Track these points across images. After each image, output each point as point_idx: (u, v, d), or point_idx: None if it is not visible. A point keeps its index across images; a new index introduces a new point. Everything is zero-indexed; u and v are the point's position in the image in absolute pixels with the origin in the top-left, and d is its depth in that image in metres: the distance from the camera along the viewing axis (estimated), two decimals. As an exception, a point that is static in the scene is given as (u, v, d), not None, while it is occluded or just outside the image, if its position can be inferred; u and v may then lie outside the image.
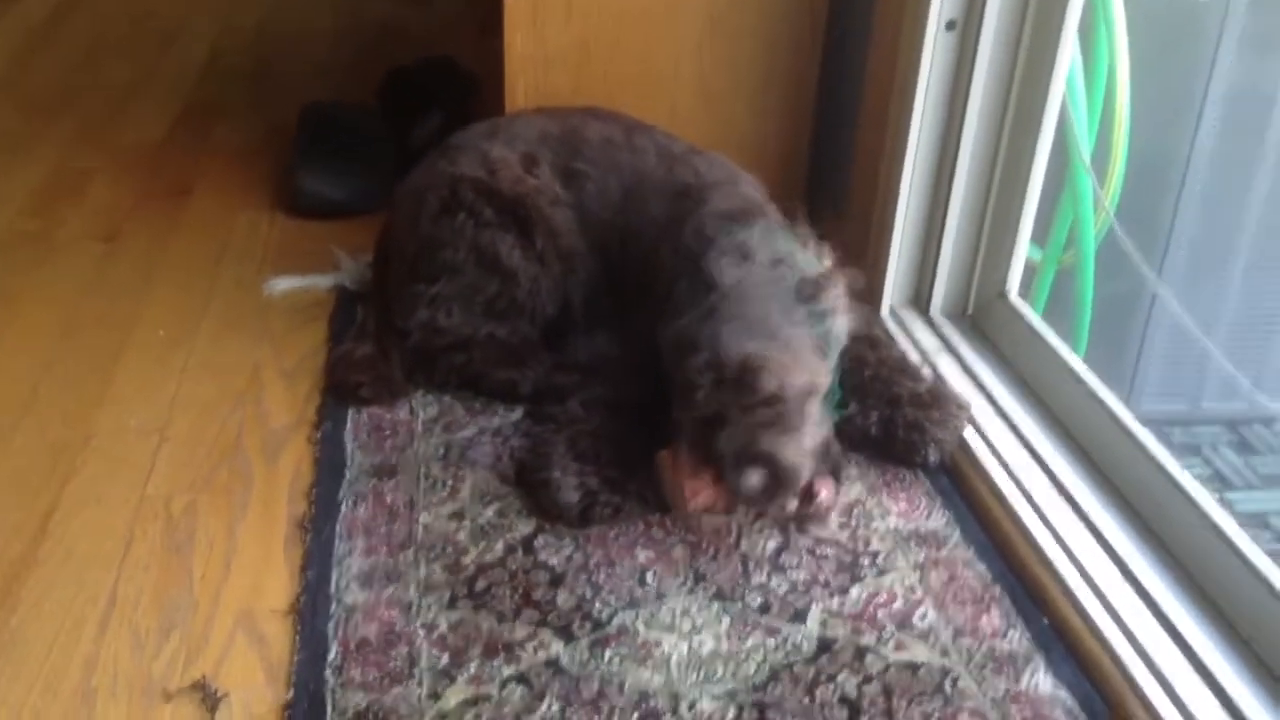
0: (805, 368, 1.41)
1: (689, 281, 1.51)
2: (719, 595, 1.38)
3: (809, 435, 1.41)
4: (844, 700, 1.24)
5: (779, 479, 1.36)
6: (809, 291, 1.47)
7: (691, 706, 1.23)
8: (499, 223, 1.71)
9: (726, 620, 1.35)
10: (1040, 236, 2.16)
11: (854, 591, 1.40)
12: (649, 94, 2.05)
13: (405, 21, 3.67)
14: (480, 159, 1.77)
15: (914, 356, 1.79)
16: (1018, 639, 1.33)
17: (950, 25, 1.72)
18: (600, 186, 1.75)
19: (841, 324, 1.50)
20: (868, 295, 1.84)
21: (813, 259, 1.54)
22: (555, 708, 1.22)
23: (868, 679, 1.27)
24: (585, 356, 1.73)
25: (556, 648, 1.30)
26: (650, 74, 2.05)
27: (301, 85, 2.97)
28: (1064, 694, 1.26)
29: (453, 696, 1.23)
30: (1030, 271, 2.16)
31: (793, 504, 1.40)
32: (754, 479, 1.35)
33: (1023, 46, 1.72)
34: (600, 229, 1.75)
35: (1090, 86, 2.07)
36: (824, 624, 1.35)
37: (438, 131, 2.36)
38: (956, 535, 1.49)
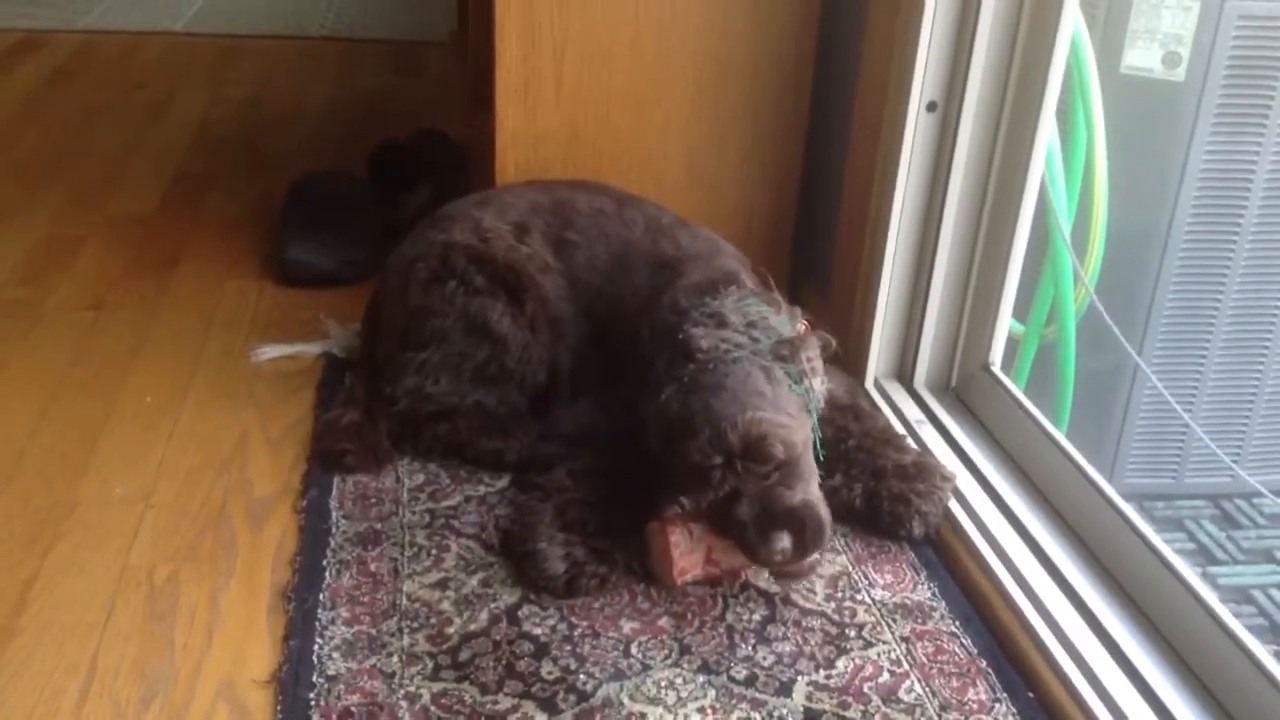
0: (798, 423, 1.45)
1: (668, 356, 1.53)
2: (705, 667, 1.38)
3: (815, 485, 1.45)
4: (830, 775, 1.24)
5: (806, 535, 1.40)
6: (784, 352, 1.49)
7: (677, 780, 1.22)
8: (489, 290, 1.72)
9: (712, 693, 1.34)
10: (1022, 311, 2.18)
11: (840, 664, 1.39)
12: (637, 169, 2.08)
13: (396, 94, 3.72)
14: (472, 227, 1.79)
15: (898, 428, 1.80)
16: (1004, 713, 1.32)
17: (931, 106, 1.76)
18: (589, 255, 1.77)
19: (818, 383, 1.53)
20: (849, 364, 1.87)
21: (785, 322, 1.56)
22: (539, 781, 1.21)
23: (854, 753, 1.27)
24: (570, 427, 1.74)
25: (541, 720, 1.29)
26: (638, 149, 2.08)
27: (291, 156, 3.01)
28: (1050, 769, 1.25)
29: (435, 769, 1.22)
30: (1013, 345, 2.19)
31: (818, 556, 1.44)
32: (784, 542, 1.38)
33: (1002, 126, 1.76)
34: (589, 297, 1.77)
35: (1069, 165, 2.11)
36: (810, 697, 1.34)
37: (427, 203, 2.39)
38: (942, 608, 1.49)
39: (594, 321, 1.77)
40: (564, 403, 1.80)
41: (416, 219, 1.98)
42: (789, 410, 1.45)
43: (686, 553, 1.45)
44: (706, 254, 1.73)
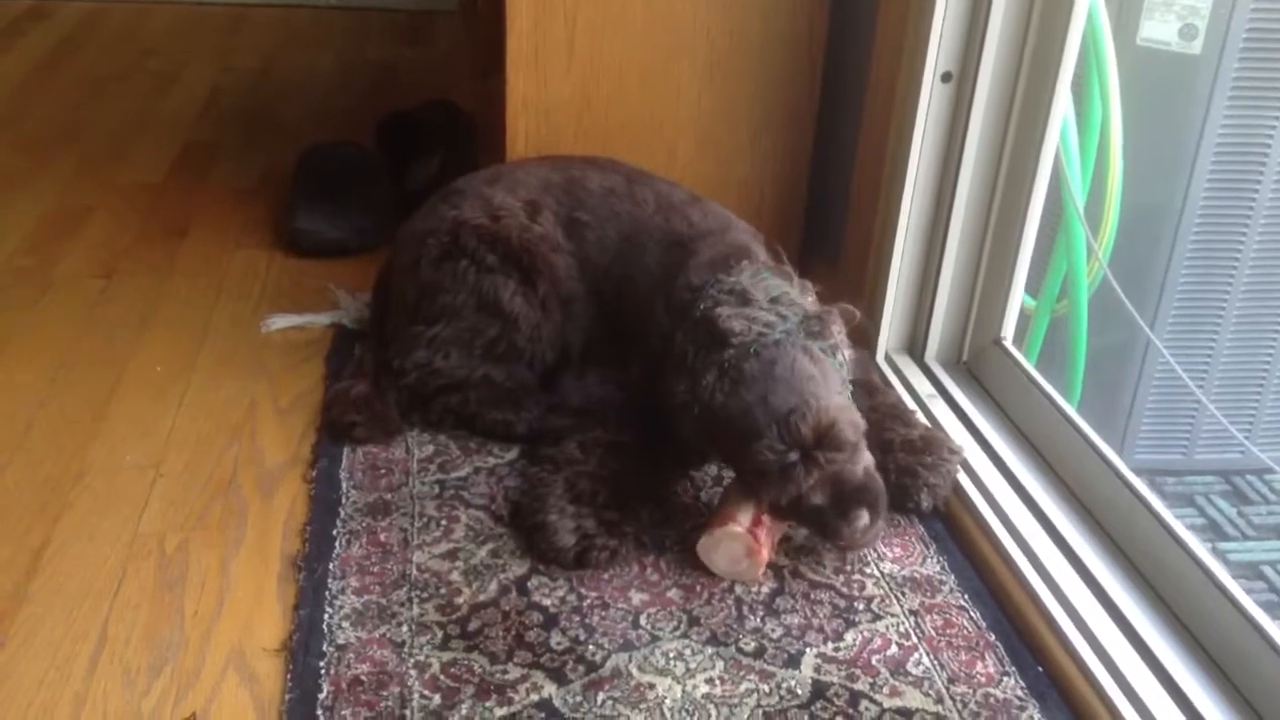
0: (848, 400, 1.47)
1: (687, 333, 1.52)
2: (713, 639, 1.38)
3: (868, 453, 1.47)
4: (838, 746, 1.24)
5: (876, 508, 1.42)
6: (815, 328, 1.49)
7: (685, 751, 1.23)
8: (501, 269, 1.72)
9: (720, 664, 1.34)
10: (1034, 286, 2.17)
11: (848, 637, 1.39)
12: (648, 139, 2.07)
13: (405, 64, 3.71)
14: (483, 205, 1.78)
15: (909, 402, 1.80)
16: (1012, 686, 1.32)
17: (946, 77, 1.74)
18: (599, 235, 1.76)
19: (847, 354, 1.53)
20: (860, 338, 1.86)
21: (801, 295, 1.56)
22: (548, 751, 1.22)
23: (862, 725, 1.27)
24: (579, 400, 1.74)
25: (549, 690, 1.29)
26: (650, 120, 2.07)
27: (300, 126, 3.00)
28: (1059, 742, 1.25)
29: (445, 738, 1.23)
30: (1025, 320, 2.18)
31: (881, 523, 1.46)
32: (864, 518, 1.41)
33: (1018, 98, 1.74)
34: (598, 276, 1.76)
35: (1084, 138, 2.09)
36: (818, 669, 1.34)
37: (436, 174, 2.38)
38: (951, 581, 1.49)
39: (604, 301, 1.77)
40: (572, 376, 1.79)
41: (426, 189, 1.97)
42: (837, 388, 1.46)
43: (768, 546, 1.46)
44: (718, 230, 1.72)
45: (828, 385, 1.44)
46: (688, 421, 1.50)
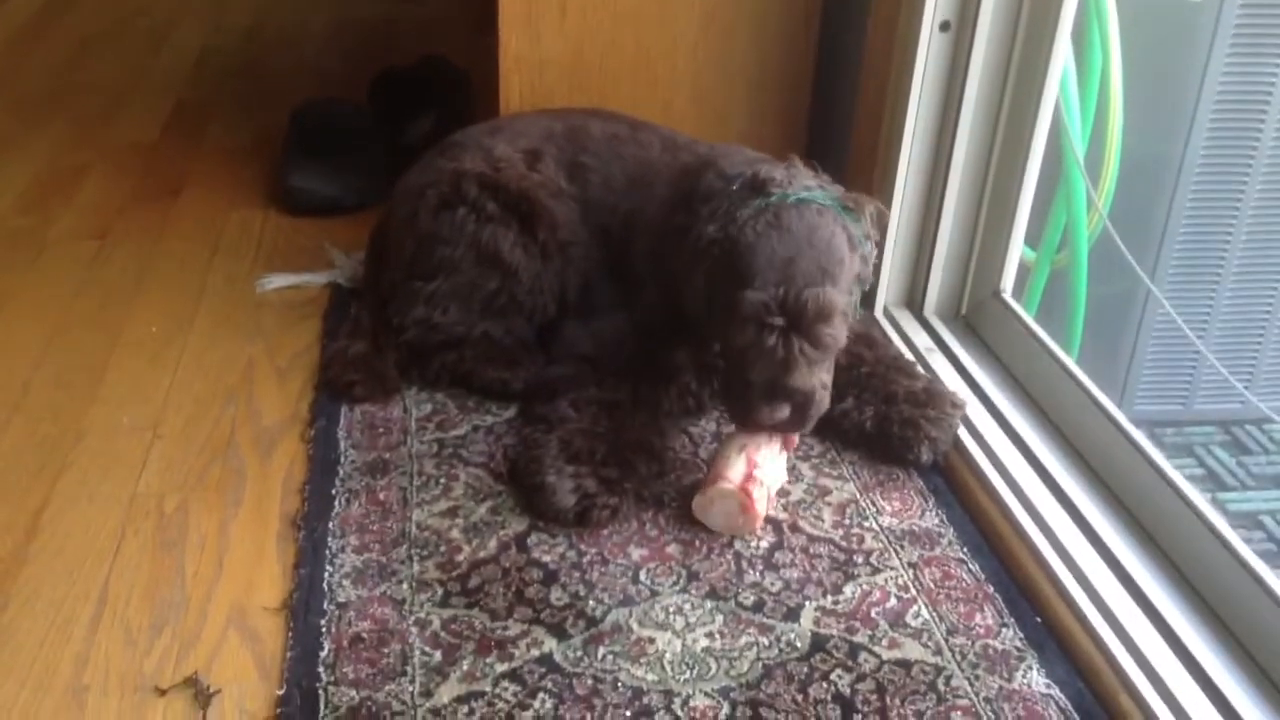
0: (850, 305, 1.48)
1: (727, 195, 1.51)
2: (712, 593, 1.38)
3: (831, 369, 1.49)
4: (837, 698, 1.24)
5: (803, 415, 1.46)
6: (849, 204, 1.51)
7: (685, 704, 1.23)
8: (501, 218, 1.70)
9: (720, 618, 1.35)
10: (1034, 238, 2.16)
11: (847, 590, 1.40)
12: (644, 94, 2.05)
13: (398, 20, 3.66)
14: (483, 155, 1.76)
15: (908, 356, 1.79)
16: (1011, 637, 1.33)
17: (945, 26, 1.72)
18: (604, 176, 1.75)
19: (871, 249, 1.54)
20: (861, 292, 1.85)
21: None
22: (548, 705, 1.22)
23: (861, 677, 1.27)
24: (590, 346, 1.71)
25: (550, 645, 1.30)
26: (645, 74, 2.05)
27: (293, 84, 2.97)
28: (1056, 692, 1.26)
29: (445, 694, 1.23)
30: (1024, 272, 2.17)
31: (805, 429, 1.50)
32: (784, 413, 1.45)
33: (1017, 48, 1.72)
34: (605, 217, 1.74)
35: (1084, 88, 2.08)
36: (817, 622, 1.34)
37: (431, 130, 2.36)
38: (950, 534, 1.49)
39: (611, 243, 1.74)
40: (577, 324, 1.77)
41: (421, 146, 1.95)
42: (849, 286, 1.48)
43: (763, 500, 1.46)
44: (735, 151, 1.70)
45: (849, 280, 1.47)
46: (703, 270, 1.49)
